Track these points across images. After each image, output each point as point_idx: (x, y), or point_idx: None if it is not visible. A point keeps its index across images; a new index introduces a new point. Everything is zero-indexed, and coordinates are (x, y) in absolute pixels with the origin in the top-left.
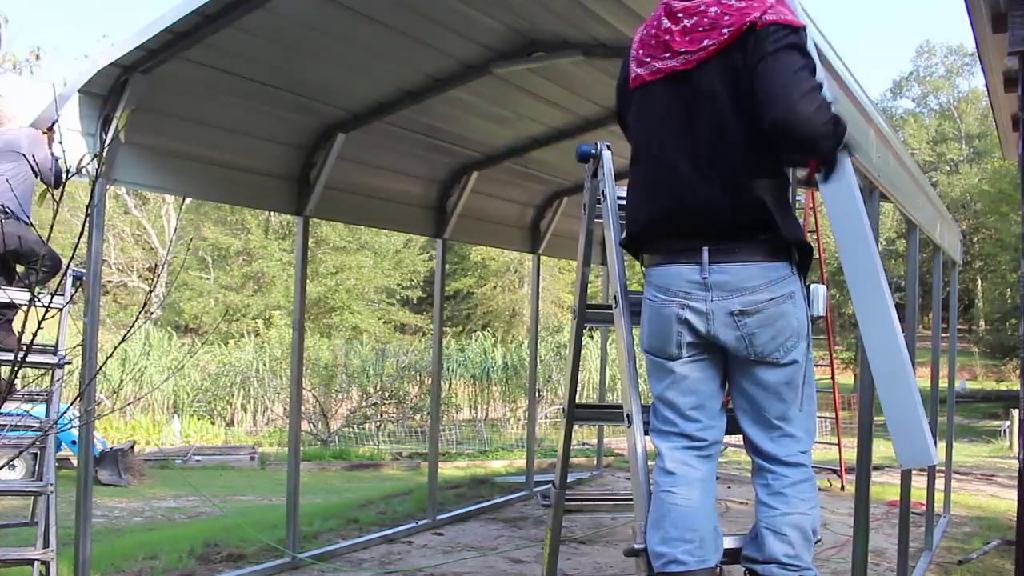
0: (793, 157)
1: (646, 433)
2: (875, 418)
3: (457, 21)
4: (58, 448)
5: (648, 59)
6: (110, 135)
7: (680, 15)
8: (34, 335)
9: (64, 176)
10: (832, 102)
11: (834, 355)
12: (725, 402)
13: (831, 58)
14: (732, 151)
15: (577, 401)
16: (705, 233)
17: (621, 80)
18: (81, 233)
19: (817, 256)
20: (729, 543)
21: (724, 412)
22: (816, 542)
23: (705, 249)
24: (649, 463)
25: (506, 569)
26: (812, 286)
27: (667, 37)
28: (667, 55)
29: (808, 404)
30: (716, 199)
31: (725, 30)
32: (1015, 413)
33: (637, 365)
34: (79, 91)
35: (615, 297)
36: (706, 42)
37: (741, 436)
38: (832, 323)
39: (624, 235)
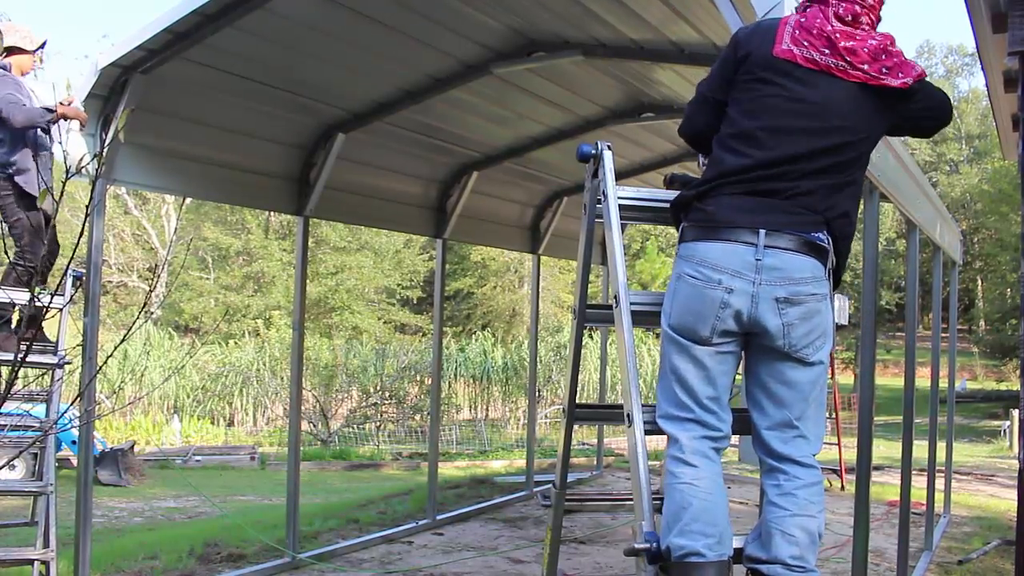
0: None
1: (651, 430)
2: (875, 418)
3: (457, 21)
4: (58, 448)
5: (806, 43)
6: (110, 135)
7: (840, 34)
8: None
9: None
10: None
11: (834, 355)
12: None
13: None
14: (848, 169)
15: (577, 401)
16: (768, 214)
17: (757, 47)
18: (81, 233)
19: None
20: (734, 543)
21: (731, 411)
22: None
23: (763, 231)
24: (652, 463)
25: (506, 569)
26: (836, 296)
27: (835, 37)
28: (827, 52)
29: (820, 412)
30: (817, 198)
31: (887, 72)
32: (1015, 413)
33: (637, 365)
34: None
35: (615, 297)
36: (867, 67)
37: (751, 436)
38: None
39: (693, 189)
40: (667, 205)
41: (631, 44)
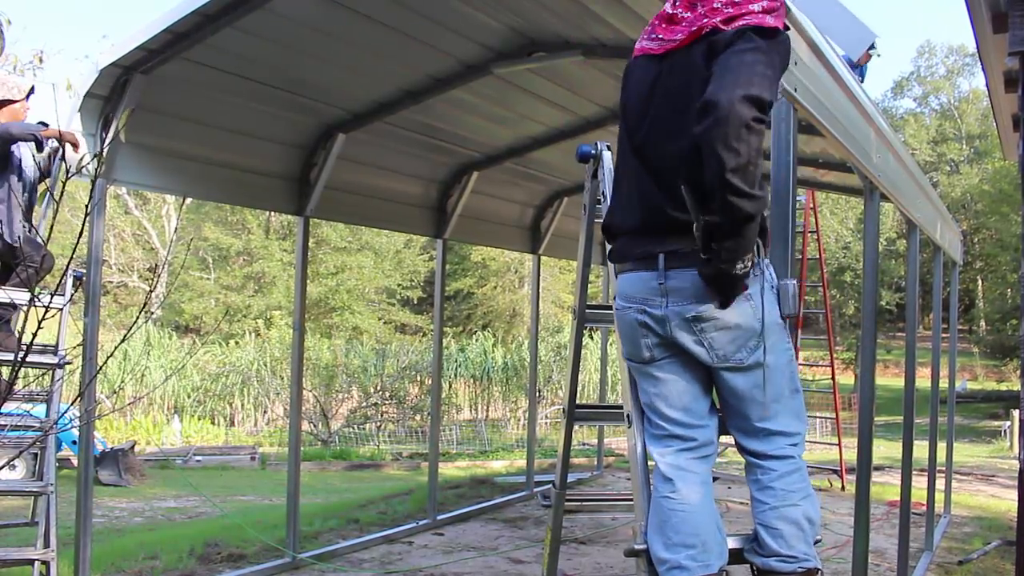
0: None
1: None
2: (875, 418)
3: (457, 21)
4: (58, 448)
5: (644, 36)
6: (110, 135)
7: (677, 4)
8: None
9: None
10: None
11: (834, 355)
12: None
13: (831, 59)
14: (678, 155)
15: (577, 401)
16: (659, 238)
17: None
18: (81, 233)
19: (816, 256)
20: (732, 543)
21: (715, 412)
22: (816, 542)
23: (661, 255)
24: (652, 463)
25: (506, 569)
26: (782, 283)
27: (658, 20)
28: (654, 37)
29: (791, 401)
30: (667, 203)
31: (695, 30)
32: (1015, 413)
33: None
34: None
35: (615, 297)
36: (678, 36)
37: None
38: (832, 323)
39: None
40: None
41: (631, 44)
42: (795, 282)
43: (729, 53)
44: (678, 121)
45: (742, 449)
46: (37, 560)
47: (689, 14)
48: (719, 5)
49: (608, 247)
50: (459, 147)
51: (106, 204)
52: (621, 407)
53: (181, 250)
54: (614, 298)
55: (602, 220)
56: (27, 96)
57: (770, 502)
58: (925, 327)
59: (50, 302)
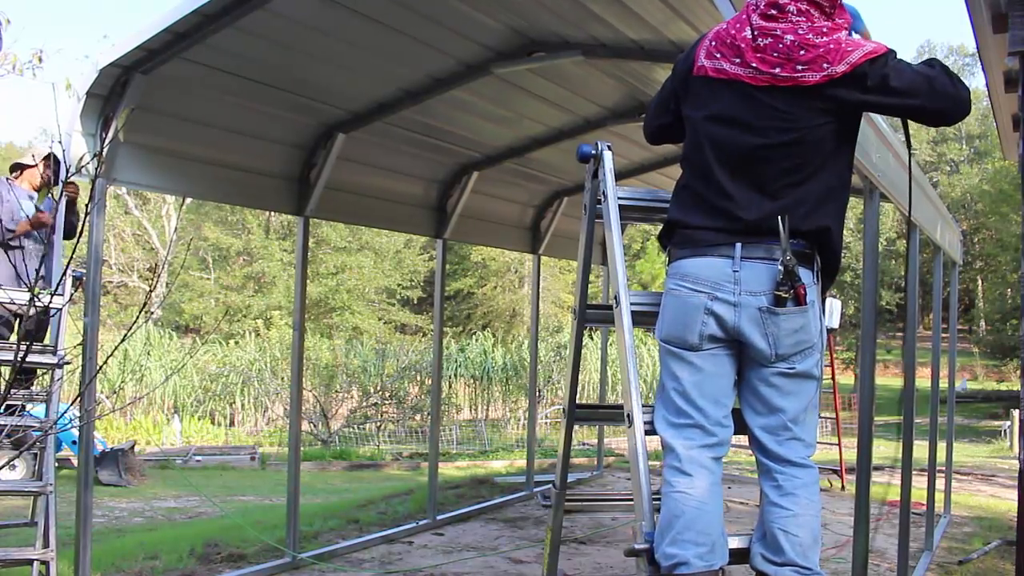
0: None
1: (651, 430)
2: (875, 418)
3: (457, 21)
4: (58, 448)
5: (718, 55)
6: (110, 135)
7: (757, 32)
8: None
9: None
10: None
11: (834, 355)
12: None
13: None
14: (804, 173)
15: (577, 401)
16: (739, 232)
17: (684, 65)
18: (81, 233)
19: None
20: (734, 543)
21: (731, 416)
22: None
23: (738, 245)
24: (652, 463)
25: (506, 569)
26: (828, 300)
27: (743, 45)
28: (737, 61)
29: (814, 413)
30: (767, 214)
31: (802, 69)
32: (1015, 413)
33: (637, 365)
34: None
35: (615, 297)
36: (778, 71)
37: (747, 436)
38: None
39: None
40: (667, 205)
41: (631, 44)
42: (840, 301)
43: (887, 87)
44: (790, 148)
45: (763, 451)
46: (37, 560)
47: (780, 45)
48: (812, 36)
49: (669, 236)
50: (459, 147)
51: (106, 204)
52: (621, 407)
53: (181, 250)
54: (668, 278)
55: (667, 216)
56: (44, 160)
57: (793, 508)
58: (925, 327)
59: (50, 302)
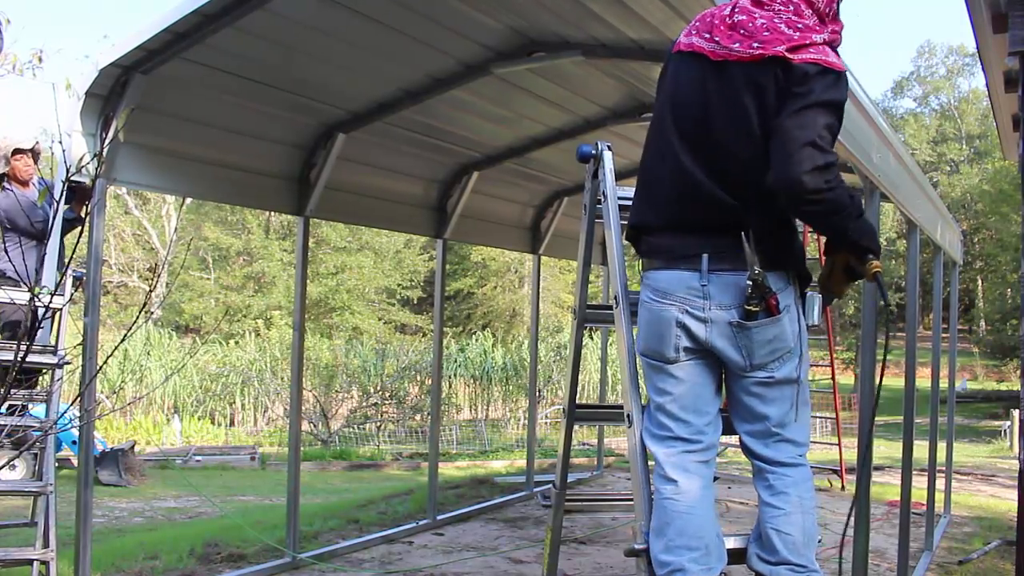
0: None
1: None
2: (875, 418)
3: (457, 21)
4: (58, 448)
5: (693, 31)
6: (110, 135)
7: (737, 9)
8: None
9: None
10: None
11: (834, 355)
12: (724, 406)
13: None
14: (742, 163)
15: (577, 401)
16: (703, 236)
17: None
18: (81, 232)
19: (817, 256)
20: (732, 543)
21: (720, 415)
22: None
23: (705, 256)
24: (652, 463)
25: (506, 569)
26: (808, 294)
27: (718, 21)
28: (706, 35)
29: (803, 412)
30: (723, 203)
31: (756, 46)
32: (1016, 413)
33: (637, 365)
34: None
35: (615, 297)
36: (736, 46)
37: (738, 438)
38: (832, 323)
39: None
40: None
41: (631, 44)
42: (820, 294)
43: (789, 114)
44: (733, 132)
45: (752, 454)
46: (36, 560)
47: (750, 25)
48: (784, 27)
49: (637, 243)
50: (459, 147)
51: (106, 204)
52: (621, 407)
53: (181, 250)
54: (642, 290)
55: (628, 221)
56: (20, 153)
57: (785, 507)
58: (925, 327)
59: (50, 302)
